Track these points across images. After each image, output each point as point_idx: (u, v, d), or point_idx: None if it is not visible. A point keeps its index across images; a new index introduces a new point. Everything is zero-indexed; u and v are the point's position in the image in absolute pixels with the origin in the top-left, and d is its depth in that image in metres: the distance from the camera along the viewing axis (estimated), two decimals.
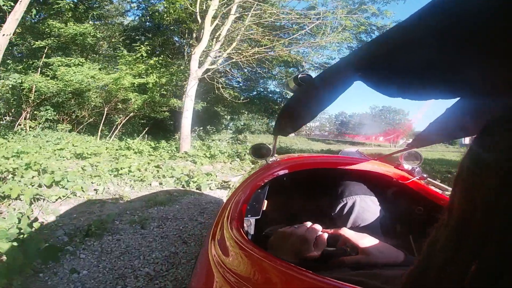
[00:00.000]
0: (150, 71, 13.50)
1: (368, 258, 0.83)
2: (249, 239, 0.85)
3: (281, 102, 21.06)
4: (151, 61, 13.64)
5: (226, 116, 26.46)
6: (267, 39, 11.80)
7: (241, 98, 14.05)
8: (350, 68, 0.47)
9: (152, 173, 6.62)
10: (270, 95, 20.86)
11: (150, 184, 5.92)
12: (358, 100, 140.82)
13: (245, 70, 13.12)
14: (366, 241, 0.88)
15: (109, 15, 18.41)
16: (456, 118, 0.68)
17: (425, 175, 1.43)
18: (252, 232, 1.26)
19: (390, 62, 0.37)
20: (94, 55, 16.80)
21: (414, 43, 0.32)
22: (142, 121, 16.98)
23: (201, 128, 13.02)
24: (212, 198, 5.39)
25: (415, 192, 1.37)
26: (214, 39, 11.41)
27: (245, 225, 1.13)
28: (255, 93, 20.64)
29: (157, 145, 11.03)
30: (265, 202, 1.29)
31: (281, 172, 1.42)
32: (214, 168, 9.22)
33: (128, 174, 6.23)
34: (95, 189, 5.10)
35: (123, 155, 8.85)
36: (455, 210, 0.29)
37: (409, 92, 0.37)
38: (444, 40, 0.28)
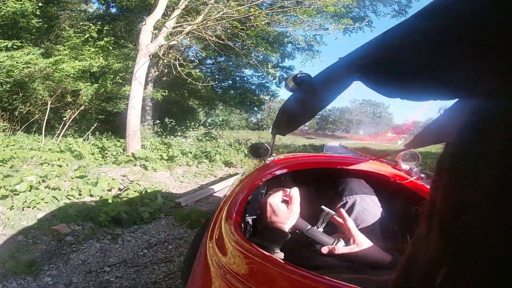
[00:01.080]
0: (101, 54, 11.13)
1: (359, 250, 0.92)
2: (247, 239, 0.85)
3: (260, 94, 19.27)
4: (101, 42, 11.22)
5: (200, 111, 24.30)
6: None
7: (208, 80, 11.70)
8: (349, 68, 0.48)
9: (59, 190, 4.28)
10: (247, 85, 18.78)
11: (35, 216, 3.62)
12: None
13: (215, 48, 10.78)
14: (362, 236, 0.96)
15: (70, 2, 16.15)
16: (455, 119, 0.62)
17: (422, 175, 1.44)
18: (250, 231, 1.25)
19: (389, 62, 0.37)
20: (54, 44, 14.03)
21: (413, 44, 0.32)
22: (100, 116, 14.50)
23: (159, 122, 10.64)
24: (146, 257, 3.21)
25: (413, 192, 1.39)
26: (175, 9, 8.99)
27: (243, 224, 1.09)
28: (230, 82, 18.53)
29: (104, 145, 8.57)
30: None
31: (279, 172, 1.42)
32: (173, 174, 7.01)
33: (28, 191, 3.91)
34: None
35: (58, 159, 6.47)
36: (437, 217, 0.27)
37: (408, 92, 0.37)
38: (442, 40, 0.28)
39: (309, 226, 0.98)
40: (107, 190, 4.86)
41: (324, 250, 0.94)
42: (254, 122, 75.77)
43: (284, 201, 1.02)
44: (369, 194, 1.27)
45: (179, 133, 9.64)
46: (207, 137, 10.47)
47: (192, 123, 10.02)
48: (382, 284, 0.66)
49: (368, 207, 1.21)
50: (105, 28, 12.29)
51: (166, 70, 15.04)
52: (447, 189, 0.27)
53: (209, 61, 17.50)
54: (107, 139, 9.52)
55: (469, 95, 0.31)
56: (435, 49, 0.29)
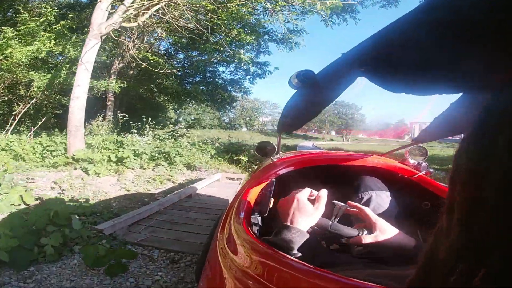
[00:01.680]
0: (57, 40, 9.82)
1: (385, 236, 0.92)
2: (256, 237, 0.85)
3: (231, 90, 18.28)
4: (57, 26, 9.81)
5: (168, 107, 22.89)
6: None
7: (167, 67, 10.45)
8: (353, 63, 0.48)
9: None
10: (218, 80, 17.70)
11: None
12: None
13: (184, 34, 9.56)
14: (382, 222, 0.97)
15: None
16: (461, 113, 0.68)
17: (431, 170, 1.42)
18: (259, 230, 1.21)
19: (393, 57, 0.37)
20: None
21: (416, 38, 0.32)
22: (57, 111, 13.06)
23: (112, 117, 9.32)
24: None
25: (421, 187, 1.38)
26: None
27: (252, 223, 1.10)
28: (200, 77, 17.34)
29: (43, 142, 7.16)
30: (272, 199, 1.21)
31: (287, 170, 1.41)
32: (121, 180, 5.81)
33: None
34: None
35: None
36: (456, 213, 0.28)
37: (413, 87, 0.37)
38: (445, 34, 0.28)
39: (331, 222, 0.99)
40: (18, 205, 3.67)
41: (353, 241, 0.96)
42: (227, 121, 74.94)
43: (310, 200, 0.98)
44: (383, 190, 1.26)
45: (135, 131, 8.34)
46: (171, 136, 9.21)
47: (150, 119, 8.70)
48: (402, 278, 0.53)
49: (383, 203, 1.21)
50: (69, 15, 10.97)
51: (134, 64, 13.67)
52: (464, 184, 0.27)
53: (180, 55, 16.47)
54: (48, 136, 8.05)
55: (476, 88, 0.30)
56: (439, 42, 0.28)
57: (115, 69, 13.32)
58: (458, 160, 0.28)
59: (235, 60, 9.25)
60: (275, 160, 1.59)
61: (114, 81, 12.46)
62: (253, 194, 1.21)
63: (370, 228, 0.96)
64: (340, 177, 1.37)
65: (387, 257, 0.92)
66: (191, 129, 15.30)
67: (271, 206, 1.20)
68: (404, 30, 0.34)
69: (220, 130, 59.01)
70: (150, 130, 8.67)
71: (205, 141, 9.43)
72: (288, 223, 0.91)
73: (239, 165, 8.87)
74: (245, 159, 8.80)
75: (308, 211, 0.93)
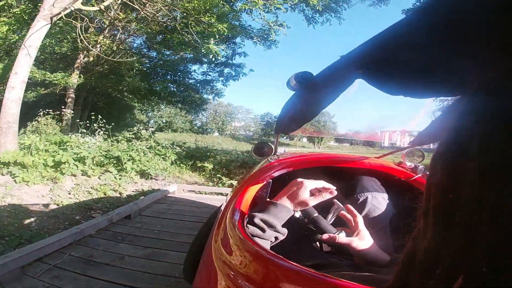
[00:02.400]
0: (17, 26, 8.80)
1: (358, 244, 0.94)
2: (248, 231, 0.87)
3: (203, 92, 17.43)
4: (16, 10, 8.66)
5: (136, 106, 21.62)
6: None
7: (132, 60, 9.41)
8: (351, 66, 0.48)
9: None
10: (189, 80, 16.74)
11: None
12: (284, 101, 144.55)
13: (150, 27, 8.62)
14: (366, 232, 0.97)
15: None
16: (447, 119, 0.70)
17: (428, 173, 0.94)
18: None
19: (390, 60, 0.37)
20: None
21: (412, 41, 0.32)
22: None
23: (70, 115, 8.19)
24: None
25: (418, 190, 1.36)
26: None
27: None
28: (170, 76, 16.33)
29: None
30: (268, 200, 1.19)
31: (284, 170, 1.43)
32: (54, 189, 4.81)
33: None
34: None
35: None
36: (432, 216, 0.29)
37: (409, 90, 0.37)
38: (440, 37, 0.29)
39: (316, 214, 1.02)
40: None
41: (325, 236, 0.98)
42: (199, 126, 73.66)
43: (312, 191, 0.99)
44: (380, 192, 1.25)
45: (83, 131, 7.26)
46: (131, 139, 8.11)
47: (100, 118, 7.66)
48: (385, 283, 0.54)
49: (379, 205, 1.21)
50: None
51: (103, 60, 12.48)
52: (439, 186, 0.28)
53: (153, 53, 15.42)
54: None
55: (470, 91, 0.30)
56: (435, 45, 0.29)
57: (79, 64, 12.00)
58: (434, 164, 0.29)
59: (203, 51, 8.18)
60: (273, 161, 1.59)
61: (76, 76, 11.27)
62: (250, 194, 1.19)
63: (352, 234, 0.97)
64: (338, 179, 1.32)
65: (355, 264, 0.95)
66: (161, 132, 14.19)
67: None
68: (401, 33, 0.34)
69: (192, 134, 57.65)
70: (101, 129, 7.62)
71: (165, 145, 8.38)
72: (277, 201, 0.95)
73: (203, 173, 7.91)
74: (209, 166, 7.80)
75: (305, 195, 0.95)
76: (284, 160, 1.58)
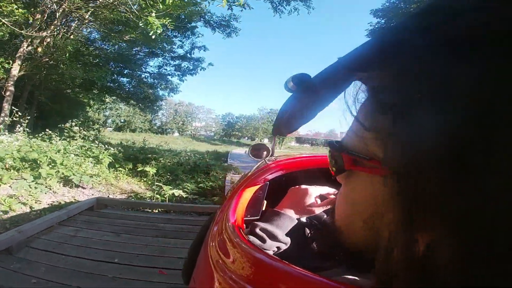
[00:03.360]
0: None
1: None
2: (248, 240, 0.86)
3: (157, 87, 16.20)
4: None
5: (93, 106, 19.76)
6: None
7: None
8: (348, 68, 0.49)
9: None
10: (141, 73, 15.41)
11: None
12: (246, 101, 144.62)
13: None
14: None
15: None
16: None
17: None
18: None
19: (384, 63, 0.37)
20: None
21: (408, 45, 0.33)
22: None
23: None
24: None
25: None
26: None
27: (244, 225, 1.08)
28: (122, 68, 14.92)
29: None
30: (265, 202, 1.24)
31: (281, 172, 1.43)
32: None
33: None
34: None
35: None
36: (392, 186, 0.31)
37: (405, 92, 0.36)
38: (440, 40, 0.29)
39: (326, 216, 1.03)
40: None
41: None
42: (158, 125, 71.00)
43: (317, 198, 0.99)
44: None
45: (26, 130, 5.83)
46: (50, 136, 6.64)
47: (16, 111, 6.27)
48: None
49: None
50: None
51: (53, 49, 10.84)
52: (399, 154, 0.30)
53: (107, 47, 14.00)
54: None
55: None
56: (433, 49, 0.29)
57: (22, 53, 10.16)
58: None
59: (141, 25, 6.92)
60: (269, 162, 1.60)
61: (18, 66, 9.60)
62: (246, 196, 1.19)
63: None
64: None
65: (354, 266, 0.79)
66: (119, 132, 12.75)
67: (263, 208, 1.22)
68: (399, 36, 0.34)
69: (151, 134, 55.36)
70: (22, 124, 6.23)
71: (98, 145, 7.02)
72: (280, 210, 0.95)
73: (145, 179, 6.61)
74: (152, 171, 6.46)
75: (307, 206, 0.95)
76: (281, 161, 1.59)
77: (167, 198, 5.20)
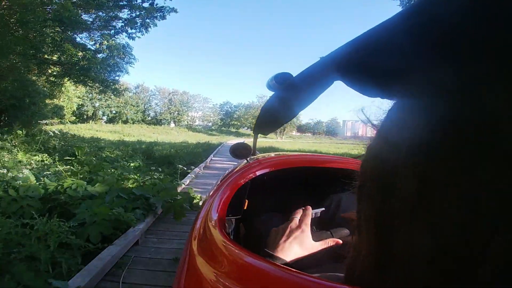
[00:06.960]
0: None
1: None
2: (231, 239, 0.84)
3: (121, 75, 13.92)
4: None
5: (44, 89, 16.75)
6: None
7: None
8: (330, 67, 0.50)
9: None
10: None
11: None
12: (245, 89, 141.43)
13: None
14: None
15: None
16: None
17: None
18: (233, 231, 1.27)
19: (369, 62, 0.37)
20: None
21: (393, 44, 0.32)
22: None
23: None
24: None
25: None
26: None
27: (226, 224, 1.09)
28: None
29: None
30: (246, 201, 1.25)
31: (263, 171, 1.42)
32: None
33: None
34: None
35: None
36: (365, 228, 0.31)
37: (388, 93, 0.37)
38: (423, 41, 0.28)
39: (329, 232, 0.97)
40: None
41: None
42: (152, 116, 67.69)
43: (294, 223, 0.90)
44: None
45: None
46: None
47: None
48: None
49: (353, 205, 0.93)
50: None
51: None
52: (371, 198, 0.30)
53: None
54: None
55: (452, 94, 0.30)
56: (416, 49, 0.29)
57: None
58: (365, 172, 0.31)
59: None
60: (251, 161, 1.57)
61: None
62: (227, 195, 1.18)
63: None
64: (318, 180, 1.34)
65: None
66: (110, 123, 9.87)
67: (245, 207, 1.23)
68: (382, 35, 0.33)
69: (143, 125, 52.27)
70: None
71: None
72: (277, 254, 0.82)
73: None
74: None
75: (308, 246, 0.85)
76: (263, 160, 1.57)
77: None
